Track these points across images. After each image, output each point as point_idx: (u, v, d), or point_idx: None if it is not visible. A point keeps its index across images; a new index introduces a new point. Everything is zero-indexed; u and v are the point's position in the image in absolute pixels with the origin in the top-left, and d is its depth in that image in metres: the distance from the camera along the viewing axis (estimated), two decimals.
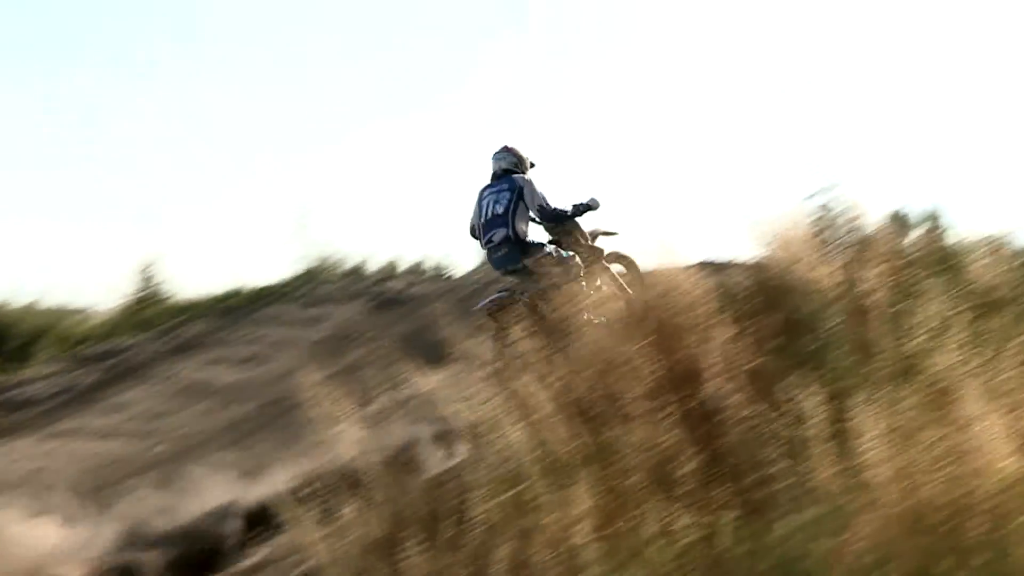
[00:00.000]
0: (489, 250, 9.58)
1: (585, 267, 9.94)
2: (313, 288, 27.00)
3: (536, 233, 10.07)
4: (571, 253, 9.74)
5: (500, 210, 9.04)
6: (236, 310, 25.90)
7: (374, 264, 27.74)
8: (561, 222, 9.59)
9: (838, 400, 7.00)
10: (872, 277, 9.04)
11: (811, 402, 6.73)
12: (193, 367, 22.20)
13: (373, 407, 13.42)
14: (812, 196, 9.86)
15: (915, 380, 7.54)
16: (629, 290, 10.08)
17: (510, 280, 10.04)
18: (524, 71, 48.58)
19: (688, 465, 6.91)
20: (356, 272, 27.76)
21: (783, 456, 6.70)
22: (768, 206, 10.07)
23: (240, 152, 43.46)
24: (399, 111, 45.94)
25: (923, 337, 7.93)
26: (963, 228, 10.25)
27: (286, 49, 47.00)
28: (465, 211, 9.13)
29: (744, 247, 10.08)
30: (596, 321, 9.00)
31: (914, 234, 10.56)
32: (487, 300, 9.75)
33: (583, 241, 10.02)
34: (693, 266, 9.28)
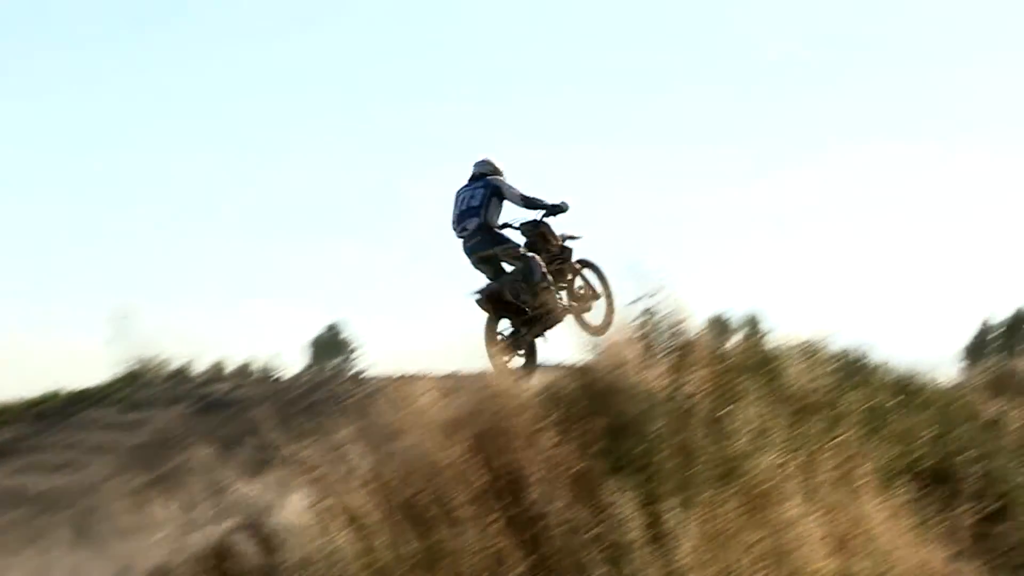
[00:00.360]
0: (464, 239, 10.21)
1: (556, 266, 10.27)
2: (134, 391, 26.37)
3: (511, 235, 10.40)
4: (532, 254, 10.08)
5: (475, 203, 10.41)
6: (52, 414, 25.07)
7: (199, 365, 27.28)
8: (542, 209, 10.03)
9: (660, 503, 7.23)
10: (695, 381, 9.35)
11: (633, 506, 6.92)
12: (3, 475, 21.40)
13: (192, 513, 13.16)
14: (636, 301, 10.14)
15: (735, 483, 7.84)
16: (599, 291, 10.39)
17: (484, 270, 10.26)
18: None
19: (515, 570, 7.02)
20: (180, 374, 27.22)
21: (605, 560, 6.87)
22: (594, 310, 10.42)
23: (56, 250, 42.49)
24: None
25: (743, 440, 8.26)
26: (782, 331, 10.69)
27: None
28: None
29: (571, 349, 10.33)
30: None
31: (735, 338, 10.95)
32: (479, 289, 10.12)
33: (554, 241, 10.42)
34: (518, 368, 9.45)
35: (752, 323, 11.47)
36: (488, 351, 10.10)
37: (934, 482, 9.71)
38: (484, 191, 10.03)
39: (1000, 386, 13.24)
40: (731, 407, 8.91)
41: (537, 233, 10.24)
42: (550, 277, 10.09)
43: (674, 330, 9.93)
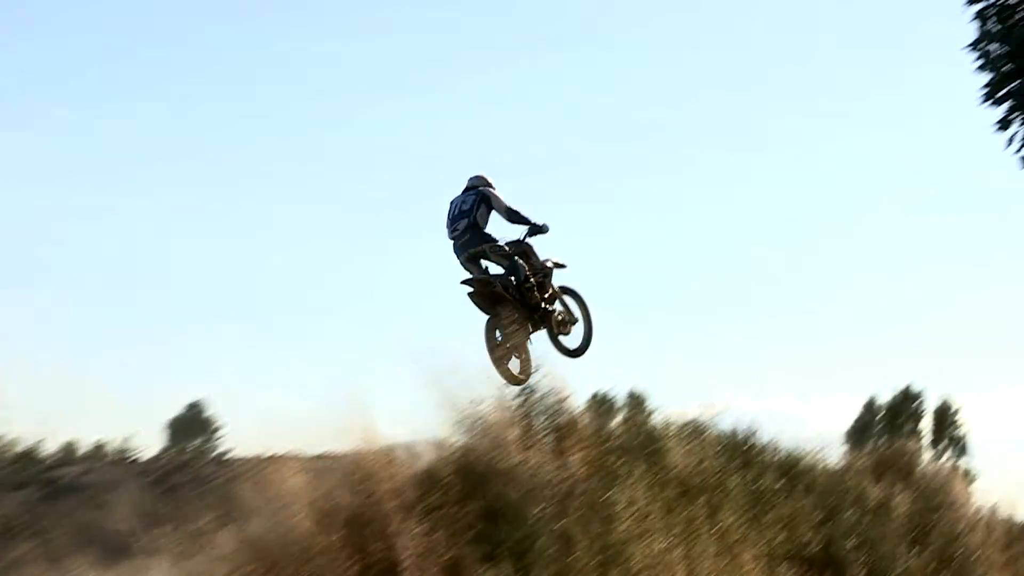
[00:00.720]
0: (455, 239, 10.63)
1: (538, 279, 10.43)
2: None
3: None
4: (518, 256, 10.32)
5: (466, 208, 10.58)
6: None
7: (49, 447, 26.50)
8: (525, 225, 10.40)
9: None
10: (576, 462, 9.29)
11: None
12: None
13: None
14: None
15: (616, 570, 7.80)
16: (578, 316, 10.52)
17: (472, 270, 10.42)
18: None
19: None
20: (27, 457, 26.43)
21: None
22: (471, 388, 10.34)
23: None
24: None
25: (625, 525, 8.24)
26: (668, 410, 10.71)
27: None
28: None
29: (447, 430, 10.22)
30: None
31: (619, 417, 10.95)
32: (469, 278, 10.29)
33: (536, 261, 10.61)
34: (393, 449, 9.33)
35: (636, 402, 11.53)
36: (490, 356, 10.29)
37: (820, 568, 9.78)
38: (475, 198, 10.76)
39: (885, 468, 13.43)
40: (613, 490, 8.86)
41: (520, 252, 10.62)
42: (534, 281, 10.40)
43: (555, 409, 9.88)
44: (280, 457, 10.35)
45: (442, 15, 57.13)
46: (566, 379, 10.06)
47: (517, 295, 10.15)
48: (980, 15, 9.54)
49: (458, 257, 10.50)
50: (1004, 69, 9.47)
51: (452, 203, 10.77)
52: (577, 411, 10.04)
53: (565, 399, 10.01)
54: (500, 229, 10.54)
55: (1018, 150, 9.60)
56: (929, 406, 36.46)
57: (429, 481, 9.13)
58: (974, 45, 9.53)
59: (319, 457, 10.65)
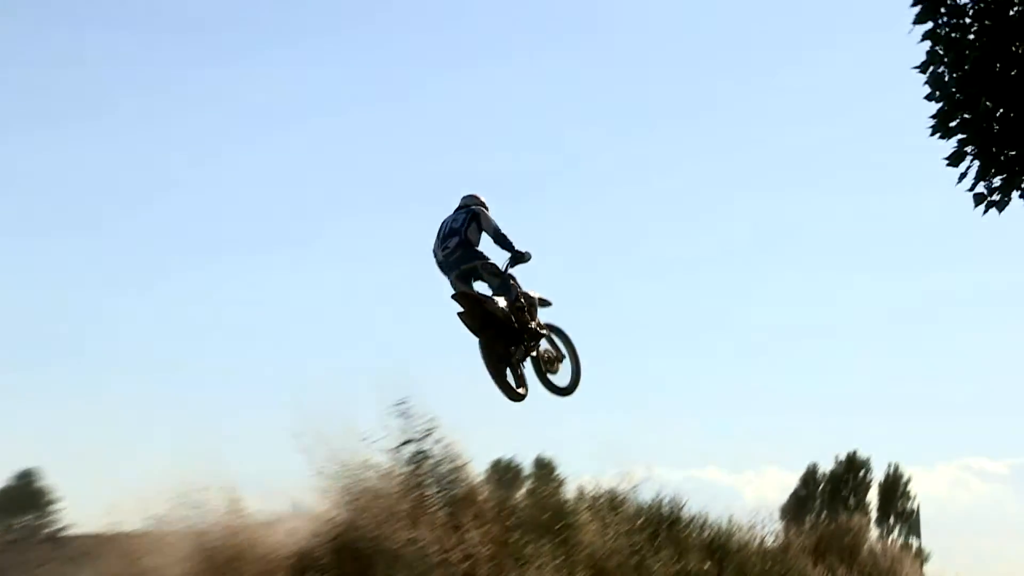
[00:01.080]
0: (445, 256, 10.51)
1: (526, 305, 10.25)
2: None
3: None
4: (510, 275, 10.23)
5: (456, 225, 10.60)
6: None
7: None
8: (510, 249, 10.27)
9: None
10: (475, 540, 8.64)
11: None
12: None
13: None
14: (403, 444, 9.33)
15: None
16: (564, 353, 10.41)
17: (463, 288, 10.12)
18: None
19: None
20: None
21: None
22: (354, 454, 9.58)
23: None
24: None
25: None
26: (581, 480, 10.08)
27: None
28: None
29: (326, 502, 9.44)
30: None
31: (525, 487, 10.37)
32: (458, 292, 10.06)
33: (520, 294, 10.39)
34: (263, 525, 8.55)
35: (545, 470, 10.87)
36: (492, 376, 9.82)
37: None
38: (466, 216, 10.69)
39: (827, 547, 12.80)
40: (517, 572, 8.17)
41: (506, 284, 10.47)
42: (524, 302, 10.20)
43: (451, 478, 9.17)
44: (129, 534, 9.51)
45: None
46: (464, 443, 9.40)
47: (507, 314, 9.95)
48: (930, 35, 8.90)
49: (447, 275, 10.26)
50: (956, 97, 8.86)
51: (443, 223, 10.71)
52: (477, 480, 9.44)
53: (463, 466, 9.36)
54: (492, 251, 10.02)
55: (971, 187, 8.96)
56: (876, 476, 35.65)
57: (304, 563, 8.43)
58: (922, 68, 8.88)
59: (176, 534, 9.78)
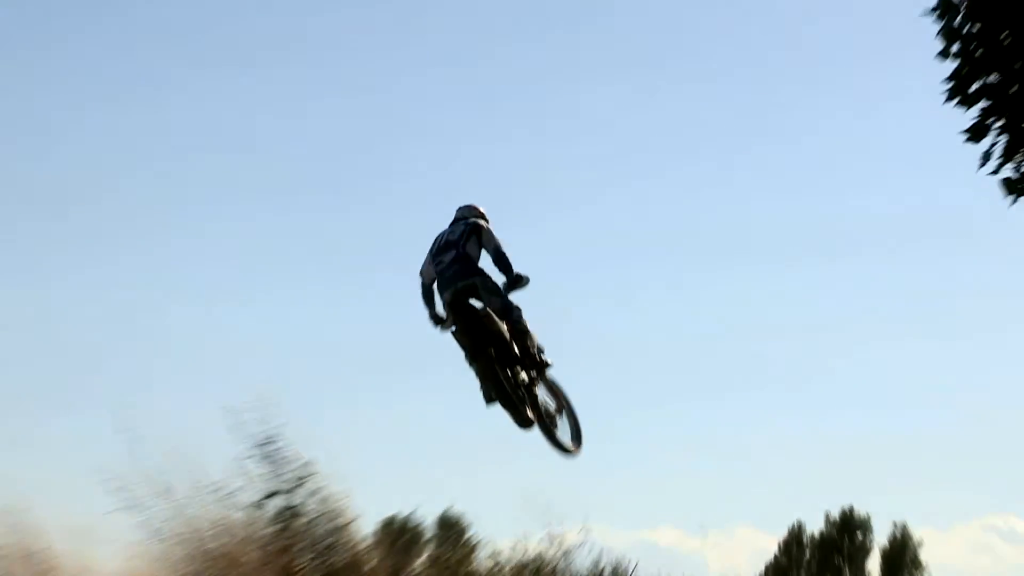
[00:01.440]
0: (441, 272, 10.00)
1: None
2: None
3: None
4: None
5: (454, 238, 10.08)
6: None
7: None
8: (508, 271, 9.72)
9: None
10: None
11: None
12: None
13: None
14: (268, 497, 8.05)
15: None
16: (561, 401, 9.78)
17: (459, 311, 9.56)
18: None
19: None
20: None
21: None
22: (202, 510, 8.28)
23: None
24: None
25: None
26: (498, 542, 8.99)
27: None
28: None
29: (163, 572, 8.10)
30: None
31: (427, 552, 9.16)
32: (456, 303, 9.69)
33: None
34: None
35: (452, 530, 9.75)
36: (497, 397, 9.20)
37: None
38: (465, 229, 10.13)
39: None
40: None
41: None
42: (527, 328, 9.58)
43: (329, 541, 7.96)
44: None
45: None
46: (349, 496, 8.31)
47: (508, 338, 9.39)
48: None
49: (442, 294, 9.63)
50: (976, 54, 7.38)
51: (437, 237, 10.23)
52: (363, 544, 8.29)
53: (345, 526, 8.19)
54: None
55: (995, 169, 7.48)
56: (878, 539, 33.69)
57: None
58: (939, 11, 7.41)
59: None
